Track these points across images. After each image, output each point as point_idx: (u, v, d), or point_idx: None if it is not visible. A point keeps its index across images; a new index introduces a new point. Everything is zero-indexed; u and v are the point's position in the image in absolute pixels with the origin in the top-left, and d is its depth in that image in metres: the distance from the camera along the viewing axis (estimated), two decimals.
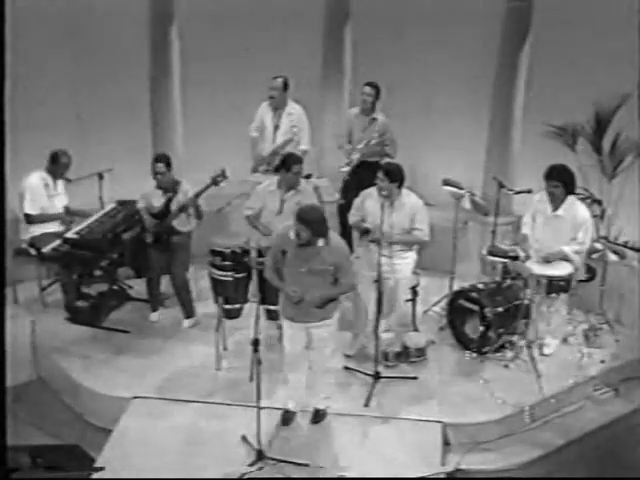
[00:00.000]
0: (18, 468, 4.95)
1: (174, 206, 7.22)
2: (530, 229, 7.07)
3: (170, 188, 7.24)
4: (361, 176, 7.81)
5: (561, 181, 6.82)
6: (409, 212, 6.70)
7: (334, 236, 5.94)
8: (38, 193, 7.68)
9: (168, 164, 7.17)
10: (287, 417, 6.33)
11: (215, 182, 7.09)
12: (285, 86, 8.00)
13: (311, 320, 5.93)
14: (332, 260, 5.79)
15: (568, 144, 8.23)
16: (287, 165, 6.87)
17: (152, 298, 7.71)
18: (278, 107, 8.04)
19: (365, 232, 6.72)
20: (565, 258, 6.84)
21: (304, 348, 6.08)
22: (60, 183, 7.88)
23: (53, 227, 7.75)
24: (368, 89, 7.88)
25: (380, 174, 6.59)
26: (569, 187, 6.85)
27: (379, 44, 8.92)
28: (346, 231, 8.16)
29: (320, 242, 5.75)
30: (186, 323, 7.62)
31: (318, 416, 6.37)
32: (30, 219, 7.67)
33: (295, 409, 6.35)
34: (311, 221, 5.67)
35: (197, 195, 7.12)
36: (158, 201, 7.28)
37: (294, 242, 5.76)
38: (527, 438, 6.48)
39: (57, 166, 7.74)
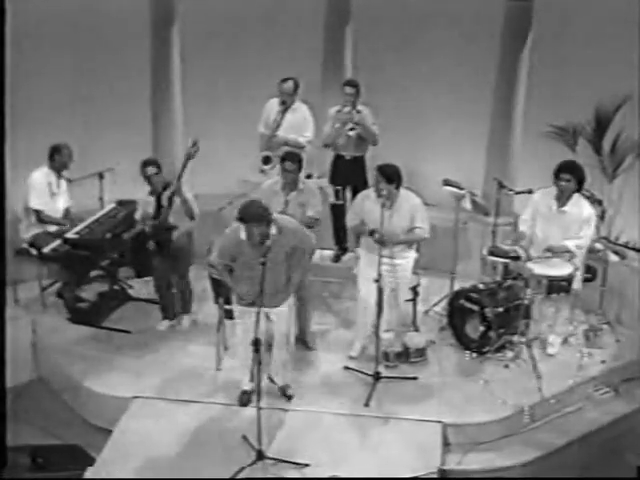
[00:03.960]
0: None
1: (164, 201, 7.11)
2: (529, 228, 7.05)
3: (161, 189, 7.14)
4: (347, 172, 7.86)
5: (575, 176, 6.79)
6: (408, 212, 6.67)
7: (284, 221, 6.01)
8: (40, 190, 7.66)
9: (158, 167, 7.13)
10: (244, 398, 6.44)
11: (190, 156, 6.97)
12: (296, 88, 8.01)
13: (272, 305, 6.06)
14: (291, 244, 5.93)
15: (568, 144, 8.24)
16: (283, 160, 6.91)
17: (163, 305, 7.60)
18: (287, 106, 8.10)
19: (371, 233, 6.68)
20: (568, 254, 6.84)
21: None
22: (63, 183, 7.86)
23: (53, 226, 7.74)
24: (349, 88, 7.83)
25: (378, 176, 6.58)
26: (581, 183, 6.84)
27: (380, 44, 8.91)
28: (339, 231, 8.17)
29: (272, 231, 5.82)
30: (185, 321, 7.62)
31: (286, 391, 6.50)
32: (39, 216, 7.64)
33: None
34: (254, 216, 5.73)
35: (179, 177, 6.99)
36: (152, 207, 7.21)
37: (247, 242, 5.82)
38: (527, 438, 6.47)
39: (56, 160, 7.68)
